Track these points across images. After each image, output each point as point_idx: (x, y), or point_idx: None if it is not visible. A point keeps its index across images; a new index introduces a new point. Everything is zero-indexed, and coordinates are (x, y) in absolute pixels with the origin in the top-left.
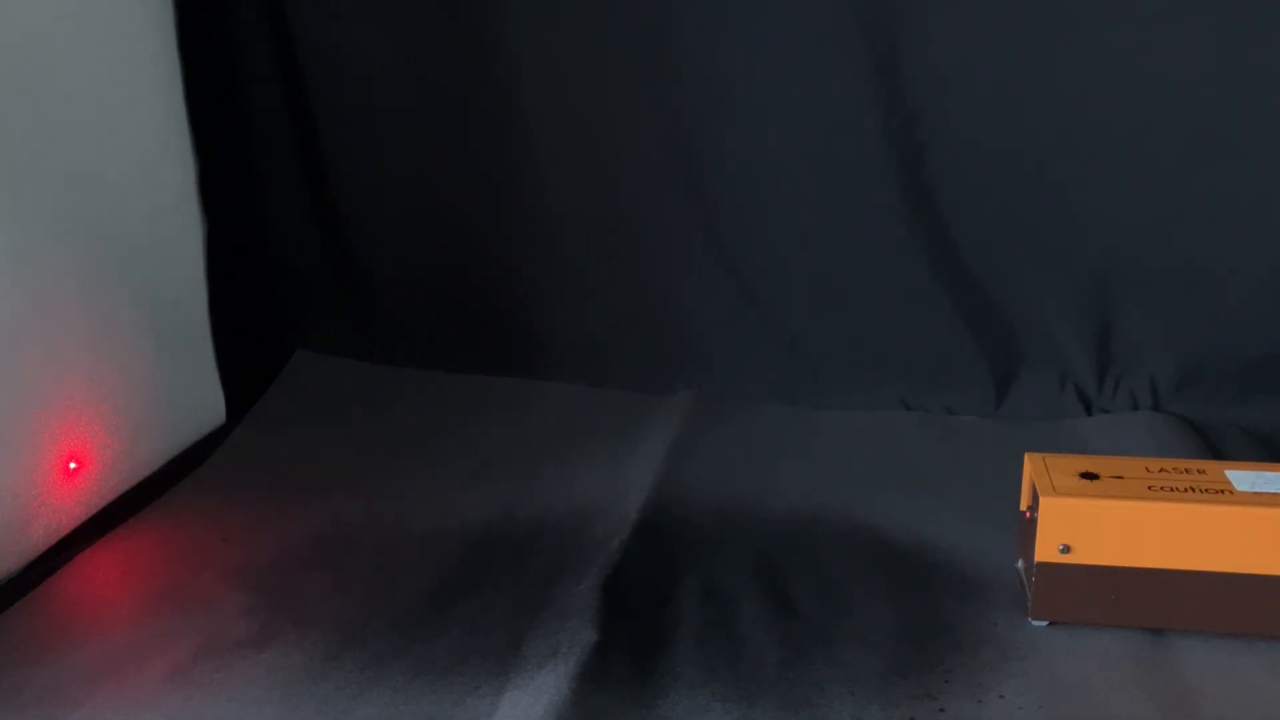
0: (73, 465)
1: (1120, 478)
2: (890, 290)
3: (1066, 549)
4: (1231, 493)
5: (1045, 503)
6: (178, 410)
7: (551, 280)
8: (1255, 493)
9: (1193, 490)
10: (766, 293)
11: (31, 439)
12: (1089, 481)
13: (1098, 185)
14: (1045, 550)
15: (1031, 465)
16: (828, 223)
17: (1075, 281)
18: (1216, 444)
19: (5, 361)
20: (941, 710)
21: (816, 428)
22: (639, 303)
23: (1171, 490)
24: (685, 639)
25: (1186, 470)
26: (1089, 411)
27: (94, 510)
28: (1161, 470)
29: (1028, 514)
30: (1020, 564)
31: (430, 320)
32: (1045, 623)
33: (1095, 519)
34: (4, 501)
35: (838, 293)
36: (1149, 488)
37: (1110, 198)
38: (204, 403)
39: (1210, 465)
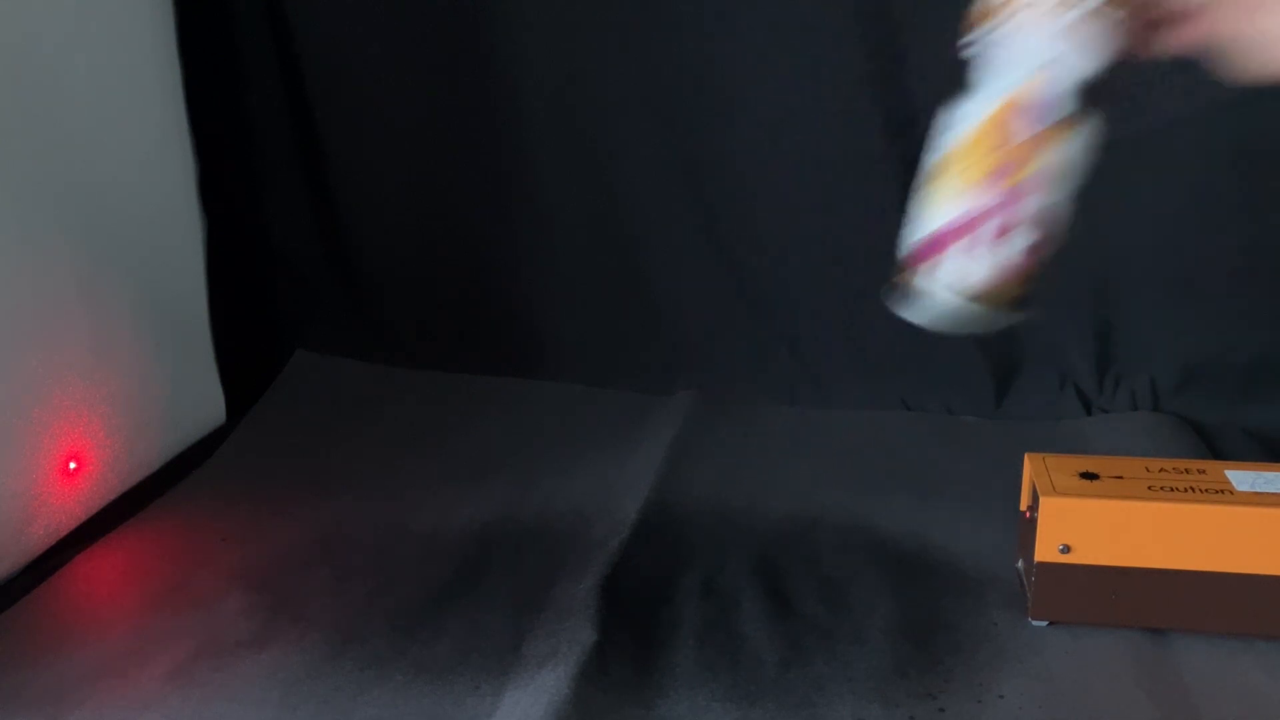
0: (73, 465)
1: (1120, 478)
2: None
3: (1066, 549)
4: (1231, 493)
5: (1045, 503)
6: (178, 410)
7: (551, 280)
8: (1255, 493)
9: (1193, 490)
10: (767, 292)
11: (31, 439)
12: (1089, 481)
13: (1098, 184)
14: (1045, 550)
15: (1031, 465)
16: (828, 222)
17: (1075, 281)
18: (1216, 444)
19: (5, 361)
20: (941, 710)
21: (816, 428)
22: (639, 303)
23: (1171, 490)
24: (685, 639)
25: (1186, 470)
26: (1089, 411)
27: (94, 510)
28: (1161, 470)
29: (1028, 514)
30: (1020, 564)
31: (430, 320)
32: (1045, 623)
33: (1095, 519)
34: (4, 501)
35: (838, 292)
36: (1149, 488)
37: (1110, 196)
38: (204, 403)
39: (1210, 465)
